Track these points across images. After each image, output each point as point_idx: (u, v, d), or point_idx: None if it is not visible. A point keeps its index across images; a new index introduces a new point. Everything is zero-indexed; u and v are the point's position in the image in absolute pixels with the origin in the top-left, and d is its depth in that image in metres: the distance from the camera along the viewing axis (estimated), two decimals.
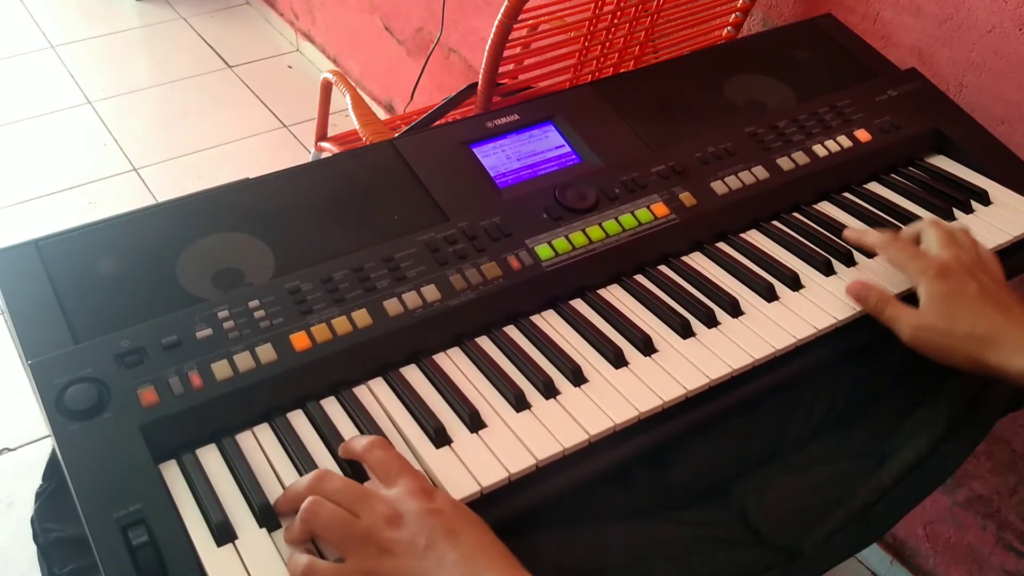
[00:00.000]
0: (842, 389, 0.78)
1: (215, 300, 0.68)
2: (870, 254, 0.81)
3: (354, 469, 0.61)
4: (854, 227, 0.81)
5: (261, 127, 2.49)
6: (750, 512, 0.72)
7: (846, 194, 0.89)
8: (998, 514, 1.30)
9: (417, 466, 0.62)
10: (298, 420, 0.65)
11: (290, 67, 2.77)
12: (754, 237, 0.84)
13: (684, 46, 1.31)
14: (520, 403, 0.66)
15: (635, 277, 0.79)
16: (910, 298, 0.73)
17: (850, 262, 0.80)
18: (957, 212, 0.87)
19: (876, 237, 0.78)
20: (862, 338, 0.75)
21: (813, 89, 0.98)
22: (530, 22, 1.12)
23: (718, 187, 0.84)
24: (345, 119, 1.62)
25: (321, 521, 0.55)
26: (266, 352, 0.65)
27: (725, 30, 1.31)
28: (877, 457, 0.75)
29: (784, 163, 0.88)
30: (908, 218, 0.86)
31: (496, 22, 1.06)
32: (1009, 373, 0.67)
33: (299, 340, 0.66)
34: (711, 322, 0.74)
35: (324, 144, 1.65)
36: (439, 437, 0.64)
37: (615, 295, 0.77)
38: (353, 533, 0.54)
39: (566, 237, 0.77)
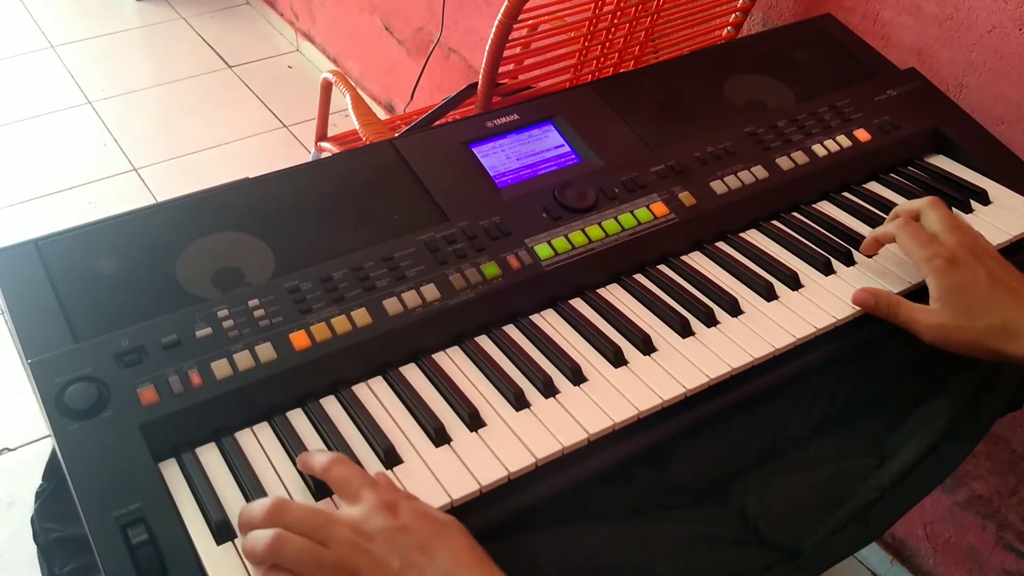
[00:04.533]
0: (842, 389, 0.78)
1: (215, 299, 0.68)
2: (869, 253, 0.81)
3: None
4: (866, 240, 0.79)
5: (261, 127, 2.49)
6: (750, 511, 0.72)
7: (845, 194, 0.89)
8: (998, 514, 1.30)
9: (419, 466, 0.62)
10: (298, 419, 0.65)
11: (290, 67, 2.78)
12: (754, 236, 0.84)
13: (684, 46, 1.31)
14: (520, 402, 0.66)
15: (635, 276, 0.79)
16: (915, 295, 0.73)
17: (849, 261, 0.81)
18: (957, 212, 0.87)
19: (890, 226, 0.76)
20: (862, 338, 0.75)
21: (813, 89, 0.98)
22: (530, 22, 1.12)
23: (718, 187, 0.84)
24: (345, 119, 1.62)
25: (289, 556, 0.52)
26: (266, 351, 0.65)
27: (725, 30, 1.31)
28: (877, 457, 0.75)
29: (784, 163, 0.88)
30: None
31: (496, 22, 1.06)
32: None
33: (299, 339, 0.66)
34: (711, 321, 0.74)
35: (324, 144, 1.65)
36: (439, 436, 0.64)
37: (614, 294, 0.77)
38: (324, 564, 0.52)
39: (566, 237, 0.77)
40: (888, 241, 0.77)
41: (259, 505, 0.55)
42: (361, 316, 0.69)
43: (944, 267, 0.71)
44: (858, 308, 0.75)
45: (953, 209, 0.86)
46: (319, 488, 0.60)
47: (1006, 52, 1.07)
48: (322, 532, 0.53)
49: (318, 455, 0.59)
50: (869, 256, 0.80)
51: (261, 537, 0.53)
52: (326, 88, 1.65)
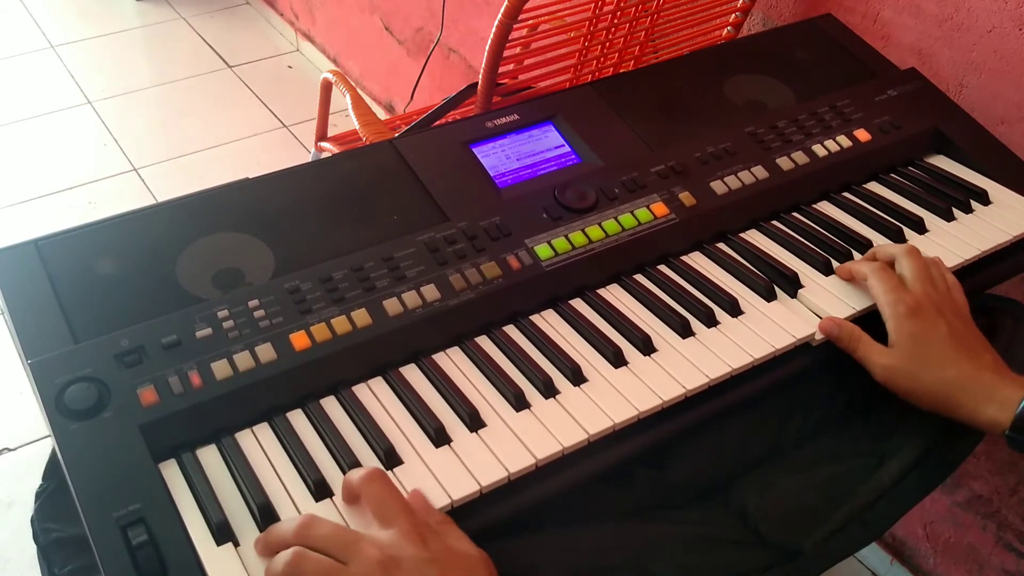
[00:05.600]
0: (842, 389, 0.78)
1: (215, 300, 0.68)
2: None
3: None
4: (842, 266, 0.80)
5: (261, 127, 2.49)
6: (749, 512, 0.72)
7: (846, 194, 0.89)
8: (998, 514, 1.30)
9: (419, 466, 0.62)
10: (298, 419, 0.65)
11: (290, 67, 2.78)
12: (754, 237, 0.84)
13: (684, 46, 1.31)
14: (520, 403, 0.66)
15: (635, 277, 0.79)
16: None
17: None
18: (957, 212, 0.87)
19: (865, 266, 0.77)
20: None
21: (813, 89, 0.98)
22: (530, 22, 1.12)
23: (718, 187, 0.84)
24: (345, 119, 1.62)
25: (306, 572, 0.52)
26: (266, 352, 0.65)
27: (725, 30, 1.31)
28: (877, 457, 0.75)
29: (784, 163, 0.88)
30: (908, 218, 0.86)
31: (496, 22, 1.06)
32: (976, 421, 0.68)
33: (299, 340, 0.66)
34: (711, 322, 0.74)
35: (324, 144, 1.65)
36: (439, 437, 0.64)
37: (615, 295, 0.77)
38: None
39: (566, 237, 0.77)
40: (861, 279, 0.77)
41: (289, 522, 0.55)
42: (361, 316, 0.69)
43: (905, 313, 0.71)
44: (858, 309, 0.75)
45: (955, 211, 0.87)
46: (319, 489, 0.60)
47: (1006, 52, 1.07)
48: (349, 550, 0.53)
49: (358, 470, 0.58)
50: (843, 278, 0.79)
51: (283, 555, 0.53)
52: (326, 88, 1.65)
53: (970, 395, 0.68)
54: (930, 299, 0.73)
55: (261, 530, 0.57)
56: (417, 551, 0.53)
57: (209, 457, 0.62)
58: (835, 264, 0.80)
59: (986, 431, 0.68)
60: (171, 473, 0.61)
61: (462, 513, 0.60)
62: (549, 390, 0.68)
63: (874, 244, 0.82)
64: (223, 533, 0.57)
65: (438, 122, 1.32)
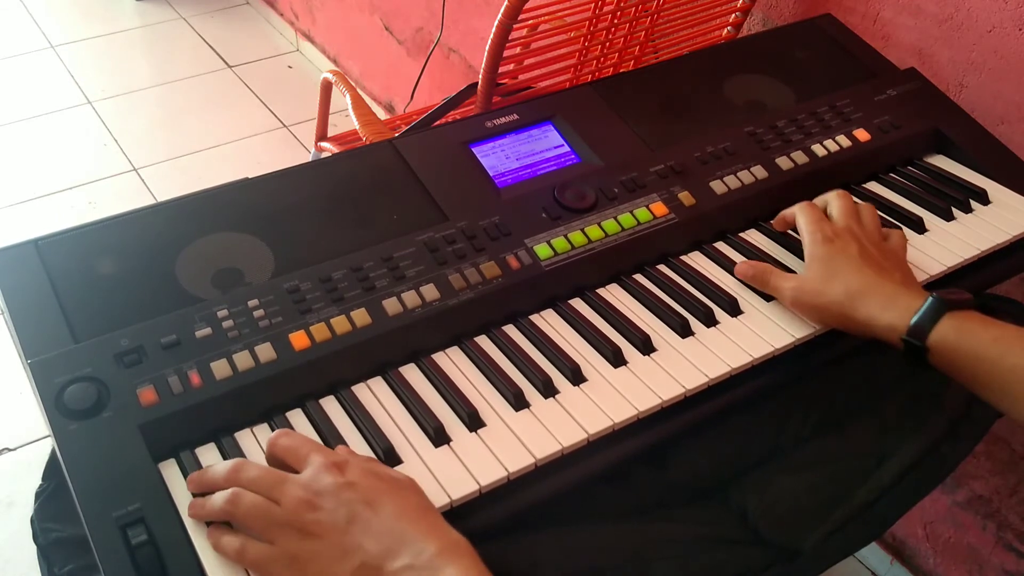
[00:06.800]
0: (841, 389, 0.78)
1: (214, 300, 0.68)
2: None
3: None
4: (776, 217, 0.83)
5: (261, 127, 2.49)
6: (749, 511, 0.72)
7: None
8: (998, 514, 1.30)
9: (418, 466, 0.62)
10: (297, 419, 0.65)
11: (290, 67, 2.78)
12: (753, 237, 0.84)
13: (684, 46, 1.31)
14: (519, 402, 0.66)
15: (634, 276, 0.79)
16: None
17: None
18: (956, 212, 0.87)
19: (796, 207, 0.79)
20: (862, 338, 0.75)
21: (812, 89, 0.98)
22: (530, 22, 1.12)
23: (717, 187, 0.84)
24: (345, 119, 1.62)
25: (243, 511, 0.55)
26: (265, 351, 0.65)
27: (725, 30, 1.31)
28: (877, 457, 0.75)
29: (783, 163, 0.88)
30: (908, 218, 0.86)
31: (496, 22, 1.06)
32: (875, 327, 0.68)
33: (298, 339, 0.66)
34: (710, 321, 0.74)
35: (324, 144, 1.65)
36: (438, 436, 0.64)
37: (614, 294, 0.77)
38: (274, 520, 0.54)
39: (565, 237, 0.77)
40: (791, 218, 0.80)
41: (221, 465, 0.58)
42: (361, 316, 0.69)
43: (821, 240, 0.73)
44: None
45: (954, 211, 0.87)
46: None
47: (1006, 52, 1.07)
48: (276, 491, 0.55)
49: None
50: (778, 226, 0.82)
51: (219, 495, 0.56)
52: (326, 88, 1.65)
53: (871, 303, 0.69)
54: (850, 231, 0.74)
55: None
56: (334, 478, 0.55)
57: (209, 457, 0.62)
58: None
59: (883, 339, 0.68)
60: (171, 473, 0.61)
61: (461, 513, 0.60)
62: (549, 390, 0.68)
63: None
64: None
65: (438, 122, 1.32)
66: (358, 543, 0.52)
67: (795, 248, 0.82)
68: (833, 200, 0.78)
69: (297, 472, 0.57)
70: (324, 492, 0.54)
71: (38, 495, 0.81)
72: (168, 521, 0.56)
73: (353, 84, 1.47)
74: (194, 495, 0.59)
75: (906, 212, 0.86)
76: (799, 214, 0.78)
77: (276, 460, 0.59)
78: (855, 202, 0.78)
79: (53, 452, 0.80)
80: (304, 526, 0.53)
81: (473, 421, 0.65)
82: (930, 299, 0.67)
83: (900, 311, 0.67)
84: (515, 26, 1.07)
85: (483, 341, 0.72)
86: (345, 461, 0.57)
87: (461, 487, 0.60)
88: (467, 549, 0.53)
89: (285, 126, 2.50)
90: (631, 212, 0.80)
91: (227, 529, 0.56)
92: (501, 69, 1.12)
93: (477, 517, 0.60)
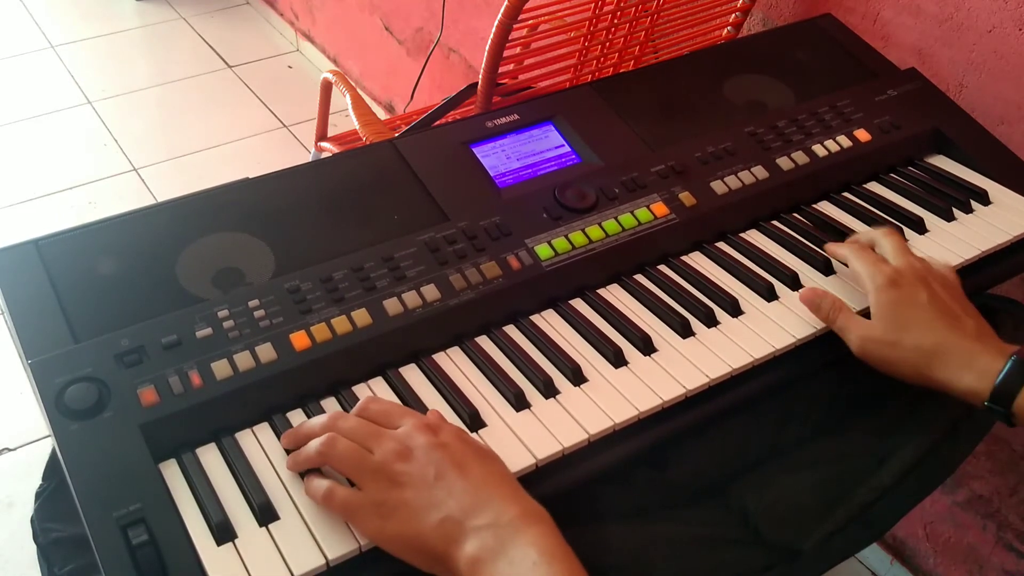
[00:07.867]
0: (842, 389, 0.78)
1: (215, 300, 0.68)
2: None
3: None
4: (832, 243, 0.80)
5: (261, 127, 2.49)
6: (750, 512, 0.72)
7: (846, 194, 0.89)
8: (998, 514, 1.30)
9: None
10: (298, 419, 0.65)
11: (290, 67, 2.78)
12: (754, 237, 0.84)
13: (684, 46, 1.31)
14: (520, 403, 0.66)
15: (635, 277, 0.79)
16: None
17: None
18: (957, 212, 0.87)
19: (846, 247, 0.77)
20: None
21: (813, 89, 0.98)
22: (530, 22, 1.12)
23: (718, 187, 0.84)
24: (345, 119, 1.62)
25: (338, 454, 0.57)
26: (266, 351, 0.65)
27: (725, 30, 1.31)
28: (877, 457, 0.75)
29: (784, 163, 0.88)
30: (908, 218, 0.86)
31: (496, 22, 1.06)
32: (955, 389, 0.67)
33: (299, 339, 0.66)
34: (711, 322, 0.74)
35: (324, 144, 1.65)
36: None
37: (615, 295, 0.77)
38: (366, 466, 0.57)
39: (566, 237, 0.77)
40: (841, 260, 0.78)
41: (318, 417, 0.61)
42: (361, 316, 0.69)
43: (885, 284, 0.70)
44: (858, 309, 0.75)
45: (955, 211, 0.87)
46: None
47: (1006, 52, 1.07)
48: (371, 441, 0.58)
49: (350, 413, 0.62)
50: (828, 255, 0.80)
51: (315, 441, 0.59)
52: (326, 88, 1.65)
53: (948, 363, 0.66)
54: (912, 269, 0.72)
55: None
56: (428, 439, 0.57)
57: (209, 457, 0.62)
58: (834, 263, 0.80)
59: (964, 399, 0.66)
60: (171, 473, 0.61)
61: None
62: (549, 390, 0.68)
63: None
64: (223, 533, 0.57)
65: (438, 122, 1.32)
66: (443, 498, 0.54)
67: (796, 249, 0.82)
68: (883, 239, 0.75)
69: None
70: (417, 447, 0.57)
71: (38, 495, 0.81)
72: (169, 521, 0.56)
73: (353, 84, 1.47)
74: (287, 452, 0.61)
75: (906, 212, 0.86)
76: (852, 257, 0.75)
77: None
78: (903, 239, 0.75)
79: (53, 452, 0.80)
80: (394, 475, 0.56)
81: (474, 421, 0.65)
82: (1011, 362, 0.64)
83: (978, 373, 0.65)
84: (515, 26, 1.07)
85: (484, 341, 0.72)
86: (438, 425, 0.59)
87: None
88: (546, 517, 0.55)
89: (285, 126, 2.50)
90: (632, 212, 0.80)
91: (317, 473, 0.59)
92: (501, 69, 1.12)
93: None
